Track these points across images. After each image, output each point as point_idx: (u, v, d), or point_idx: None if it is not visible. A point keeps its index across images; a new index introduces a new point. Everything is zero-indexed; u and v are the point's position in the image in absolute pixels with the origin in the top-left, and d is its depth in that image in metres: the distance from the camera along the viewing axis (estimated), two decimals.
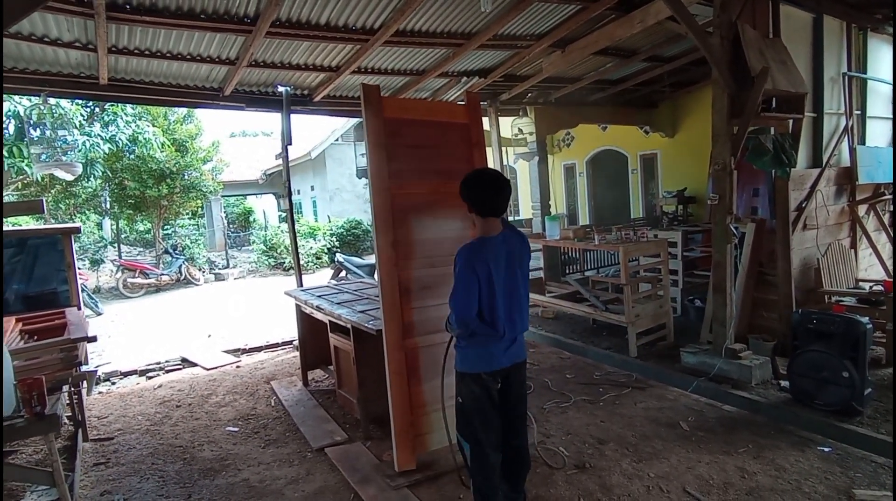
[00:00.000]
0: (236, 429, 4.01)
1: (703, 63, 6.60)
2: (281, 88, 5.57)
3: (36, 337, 3.93)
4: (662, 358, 4.86)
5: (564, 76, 6.61)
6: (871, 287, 5.03)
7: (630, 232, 5.21)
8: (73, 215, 11.87)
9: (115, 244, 13.96)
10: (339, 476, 3.19)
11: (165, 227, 14.29)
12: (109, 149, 9.35)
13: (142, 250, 18.28)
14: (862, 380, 3.55)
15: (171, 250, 12.12)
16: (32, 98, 5.43)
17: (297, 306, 4.68)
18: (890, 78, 6.11)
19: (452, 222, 3.36)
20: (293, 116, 5.85)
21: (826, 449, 3.22)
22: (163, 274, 11.49)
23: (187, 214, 14.74)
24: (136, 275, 11.22)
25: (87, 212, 13.46)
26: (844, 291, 4.98)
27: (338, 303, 4.08)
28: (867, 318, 3.75)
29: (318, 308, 4.08)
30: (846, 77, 5.42)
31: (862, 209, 5.64)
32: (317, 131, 16.65)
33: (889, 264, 5.82)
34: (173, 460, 3.55)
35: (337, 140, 15.80)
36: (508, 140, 7.38)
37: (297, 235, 14.03)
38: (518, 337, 2.52)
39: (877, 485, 2.81)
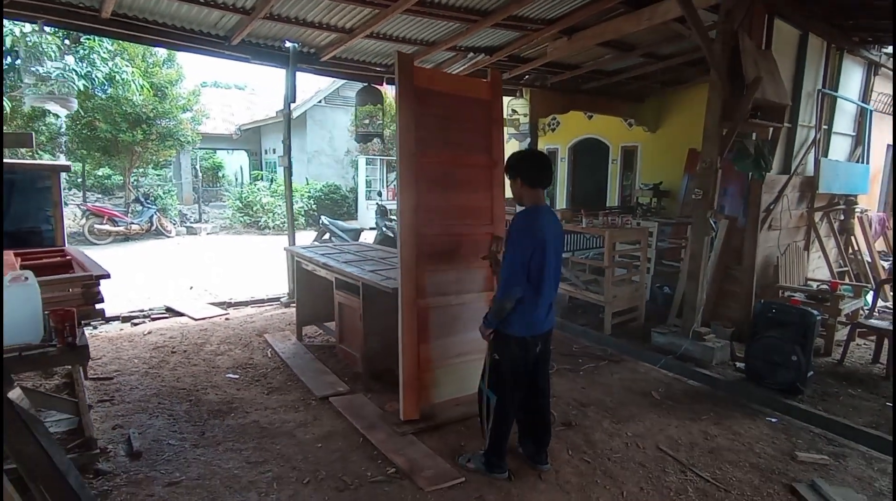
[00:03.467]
0: (237, 376, 4.15)
1: (693, 65, 6.97)
2: (288, 44, 5.53)
3: (35, 274, 3.90)
4: (634, 337, 5.28)
5: (564, 62, 6.82)
6: (818, 286, 5.60)
7: (616, 218, 5.54)
8: (34, 153, 11.26)
9: (80, 188, 13.33)
10: (346, 423, 3.41)
11: (132, 174, 13.74)
12: (84, 86, 8.91)
13: (100, 196, 17.51)
14: (807, 364, 4.04)
15: (142, 199, 11.73)
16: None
17: (297, 263, 4.80)
18: (856, 97, 6.66)
19: (469, 193, 3.56)
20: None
21: (773, 420, 3.68)
22: (133, 223, 11.14)
23: (161, 162, 14.21)
24: (104, 222, 10.84)
25: (46, 152, 12.77)
26: (796, 287, 5.51)
27: (344, 262, 4.24)
28: (817, 311, 4.26)
29: (325, 266, 4.22)
30: (820, 93, 5.87)
31: (817, 216, 6.19)
32: (299, 91, 16.18)
33: (834, 267, 6.44)
34: (179, 401, 3.67)
35: (320, 102, 15.50)
36: (503, 120, 7.56)
37: (274, 195, 13.94)
38: (553, 305, 2.80)
39: (815, 450, 3.27)
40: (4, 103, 7.64)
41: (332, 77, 6.90)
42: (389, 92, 8.56)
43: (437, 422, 3.40)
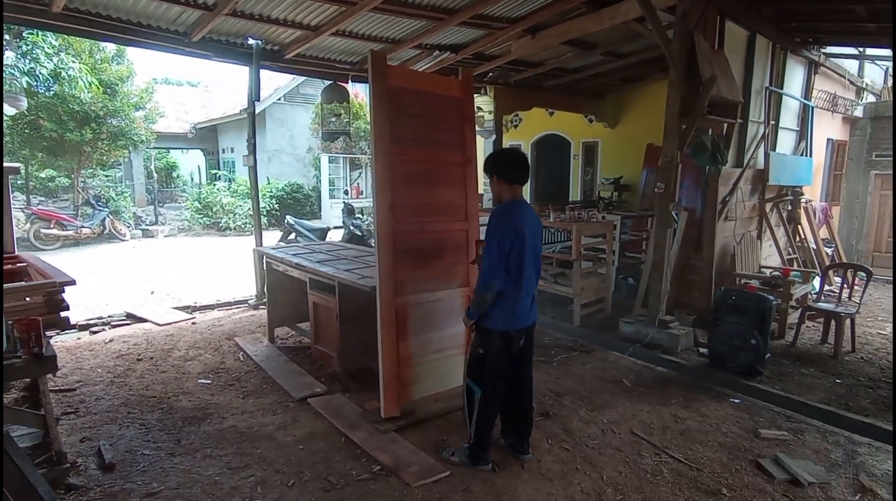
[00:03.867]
0: (209, 381, 4.04)
1: (650, 63, 7.21)
2: (251, 41, 5.40)
3: None
4: (602, 327, 5.45)
5: (527, 60, 6.93)
6: (770, 272, 5.92)
7: (583, 213, 5.70)
8: None
9: (23, 191, 12.57)
10: (327, 423, 3.39)
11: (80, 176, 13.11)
12: (27, 83, 8.40)
13: (43, 199, 16.58)
14: (765, 347, 4.28)
15: (93, 202, 11.17)
16: None
17: (268, 264, 4.71)
18: (799, 94, 7.06)
19: (443, 190, 3.59)
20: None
21: (736, 401, 3.88)
22: (83, 226, 10.59)
23: (111, 163, 13.55)
24: (52, 226, 10.26)
25: None
26: (752, 274, 5.81)
27: (318, 262, 4.19)
28: (772, 296, 4.51)
29: (298, 266, 4.17)
30: (767, 91, 6.19)
31: (768, 207, 6.54)
32: None
33: (784, 254, 6.82)
34: (150, 409, 3.55)
35: (279, 100, 15.18)
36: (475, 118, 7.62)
37: (234, 195, 13.57)
38: (535, 299, 2.87)
39: (775, 427, 3.47)
40: None
41: (297, 74, 6.79)
42: (351, 89, 8.49)
43: (418, 418, 3.43)
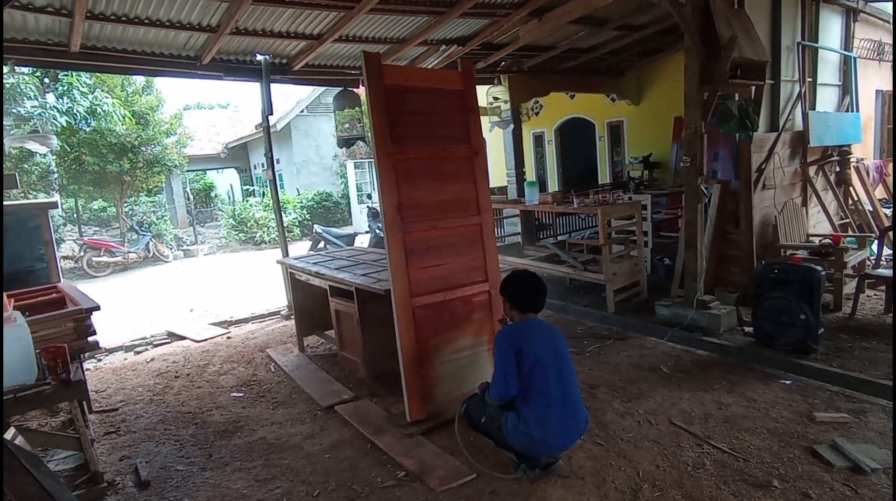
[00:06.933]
0: (241, 394, 4.12)
1: (669, 32, 6.89)
2: (259, 57, 5.47)
3: (27, 313, 3.87)
4: (638, 312, 5.22)
5: (538, 45, 6.74)
6: (820, 241, 5.52)
7: (607, 195, 5.48)
8: (26, 193, 11.29)
9: (75, 223, 13.38)
10: (353, 430, 3.38)
11: (125, 203, 13.84)
12: (67, 122, 8.89)
13: (97, 229, 17.58)
14: (816, 321, 3.95)
15: (137, 227, 11.78)
16: None
17: (291, 275, 4.76)
18: (838, 46, 6.55)
19: (452, 185, 3.51)
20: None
21: (787, 382, 3.61)
22: (130, 252, 11.17)
23: (153, 189, 14.26)
24: (102, 254, 10.86)
25: (39, 190, 12.81)
26: (798, 244, 5.43)
27: (336, 269, 4.20)
28: (821, 266, 4.17)
29: (318, 274, 4.18)
30: (800, 46, 5.76)
31: (812, 170, 6.10)
32: (280, 103, 16.28)
33: (835, 220, 6.36)
34: (185, 425, 3.65)
35: (302, 111, 15.48)
36: (484, 109, 7.48)
37: (267, 208, 13.94)
38: (576, 420, 2.68)
39: (833, 409, 3.19)
40: None
41: (308, 85, 6.87)
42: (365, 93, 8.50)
43: (445, 419, 3.35)
